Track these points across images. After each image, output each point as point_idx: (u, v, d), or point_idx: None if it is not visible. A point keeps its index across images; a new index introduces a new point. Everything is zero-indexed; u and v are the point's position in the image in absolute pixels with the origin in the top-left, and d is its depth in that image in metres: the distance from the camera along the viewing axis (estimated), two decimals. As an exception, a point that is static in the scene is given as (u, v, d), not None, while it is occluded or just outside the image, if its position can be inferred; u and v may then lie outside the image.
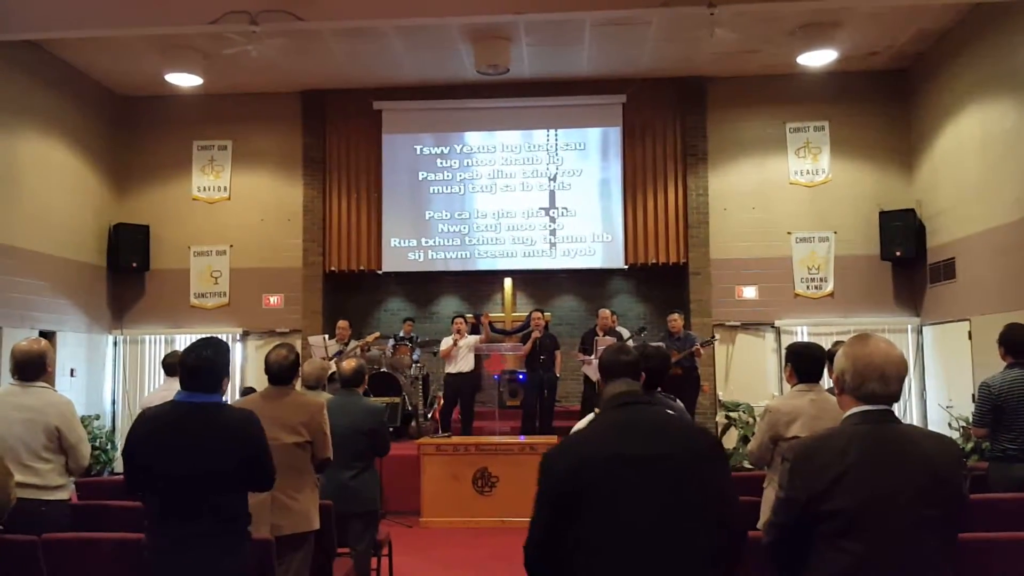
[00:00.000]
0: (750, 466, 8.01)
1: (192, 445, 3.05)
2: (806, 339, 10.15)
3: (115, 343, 10.96)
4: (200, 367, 3.16)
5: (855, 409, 2.31)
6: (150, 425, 3.16)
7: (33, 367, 4.25)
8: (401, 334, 10.76)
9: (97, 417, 10.06)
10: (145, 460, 3.11)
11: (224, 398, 3.30)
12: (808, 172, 10.76)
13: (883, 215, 10.30)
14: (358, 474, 4.88)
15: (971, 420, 5.34)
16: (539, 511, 2.34)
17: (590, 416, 3.33)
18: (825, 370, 4.21)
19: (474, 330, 10.13)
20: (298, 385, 4.77)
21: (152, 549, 3.11)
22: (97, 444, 9.56)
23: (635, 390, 2.51)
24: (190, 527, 3.03)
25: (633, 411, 2.42)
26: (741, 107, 10.85)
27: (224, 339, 3.55)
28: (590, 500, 2.25)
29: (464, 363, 9.67)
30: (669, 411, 3.29)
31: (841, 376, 2.34)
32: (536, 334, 9.69)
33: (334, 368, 7.27)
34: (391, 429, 8.56)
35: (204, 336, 3.42)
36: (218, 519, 3.07)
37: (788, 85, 10.64)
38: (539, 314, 10.01)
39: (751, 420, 9.34)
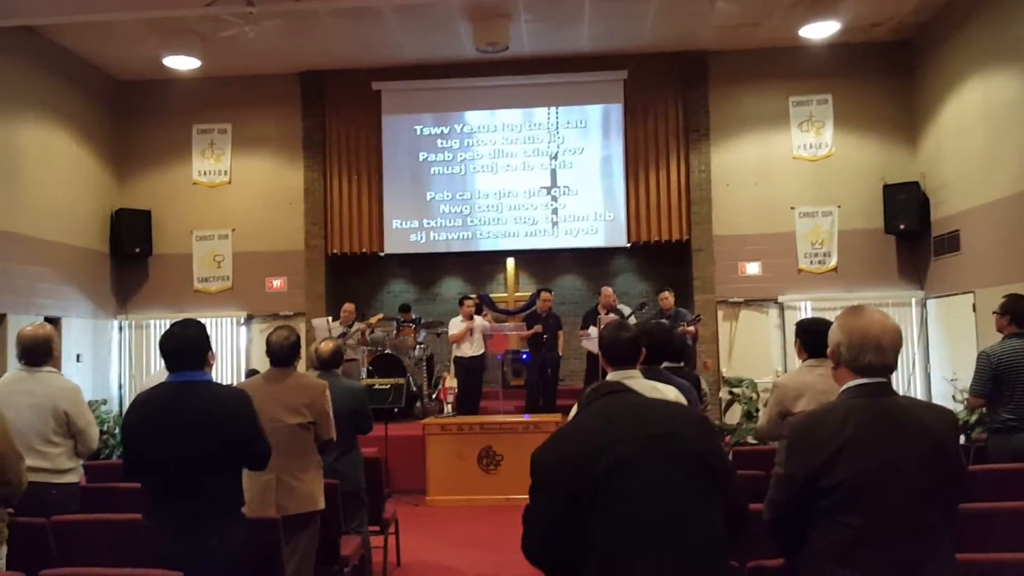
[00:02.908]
0: (755, 441, 8.08)
1: (181, 425, 3.08)
2: (810, 314, 10.15)
3: (120, 328, 11.00)
4: (178, 348, 3.21)
5: (852, 383, 2.30)
6: (141, 408, 3.22)
7: (39, 352, 4.29)
8: (401, 318, 10.79)
9: (104, 402, 10.12)
10: (138, 442, 3.16)
11: (228, 379, 3.32)
12: (811, 146, 10.70)
13: (887, 188, 10.24)
14: (342, 456, 4.83)
15: (969, 389, 5.32)
16: (540, 509, 2.26)
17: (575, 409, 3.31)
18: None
19: (477, 311, 10.13)
20: (300, 367, 4.78)
21: (147, 530, 3.14)
22: (105, 429, 9.60)
23: (614, 381, 2.49)
24: (183, 508, 3.06)
25: (617, 399, 2.39)
26: (743, 81, 10.76)
27: (206, 322, 3.52)
28: (599, 493, 2.18)
29: (477, 346, 9.69)
30: (655, 390, 3.27)
31: (836, 349, 2.33)
32: (538, 328, 9.68)
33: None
34: (395, 410, 8.66)
35: (185, 318, 3.43)
36: (210, 500, 3.10)
37: (790, 58, 10.54)
38: (547, 294, 10.01)
39: (754, 396, 9.37)
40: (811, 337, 4.06)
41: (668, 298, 9.57)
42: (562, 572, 2.27)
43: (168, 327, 3.30)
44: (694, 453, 2.23)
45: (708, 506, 2.19)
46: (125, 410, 10.08)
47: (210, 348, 3.32)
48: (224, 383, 3.45)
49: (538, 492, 2.27)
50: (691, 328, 9.33)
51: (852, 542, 2.15)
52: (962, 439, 6.56)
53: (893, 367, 2.29)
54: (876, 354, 2.26)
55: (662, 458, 2.19)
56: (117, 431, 10.03)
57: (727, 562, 2.25)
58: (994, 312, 5.28)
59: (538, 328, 9.65)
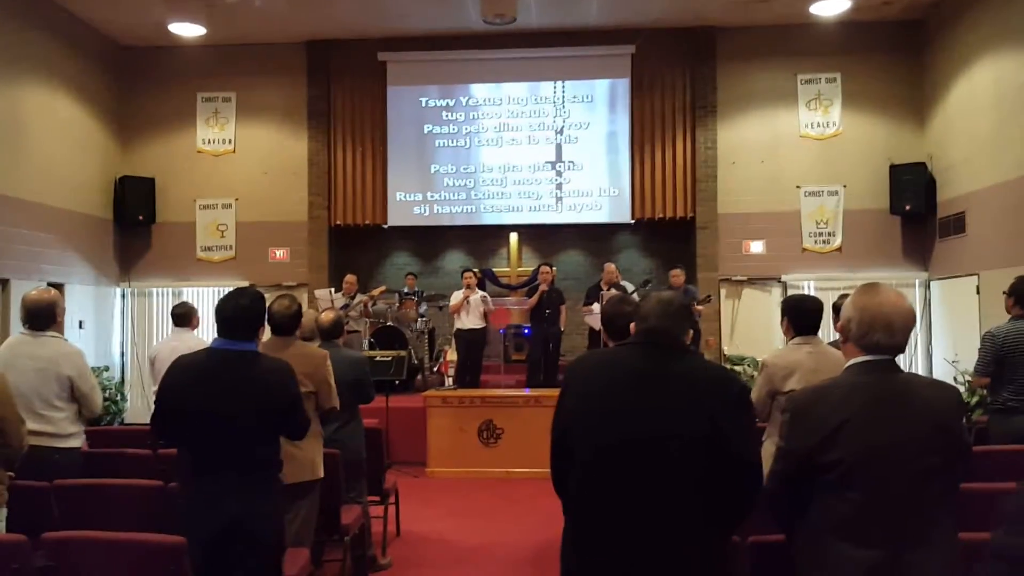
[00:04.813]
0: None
1: (226, 391, 3.08)
2: (813, 294, 10.13)
3: (123, 295, 11.02)
4: (236, 316, 3.19)
5: (857, 359, 2.29)
6: (184, 371, 3.19)
7: (44, 316, 4.30)
8: (405, 289, 10.77)
9: (106, 368, 10.16)
10: (178, 405, 3.13)
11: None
12: (819, 125, 10.63)
13: (893, 169, 10.19)
14: (343, 426, 4.84)
15: (973, 369, 5.32)
16: (553, 430, 2.52)
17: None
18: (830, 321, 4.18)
19: (480, 285, 10.10)
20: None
21: (185, 496, 3.15)
22: (107, 395, 9.66)
23: (667, 327, 2.44)
24: (222, 473, 3.06)
25: (659, 362, 2.43)
26: (752, 58, 10.67)
27: (208, 291, 3.56)
28: (583, 466, 2.40)
29: (476, 318, 9.66)
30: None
31: (847, 325, 2.31)
32: (543, 288, 9.68)
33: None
34: (396, 382, 8.66)
35: (240, 286, 3.44)
36: (250, 465, 3.10)
37: (800, 36, 10.45)
38: (547, 268, 9.99)
39: (756, 374, 9.36)
40: (797, 315, 4.06)
41: (679, 275, 9.56)
42: (561, 485, 2.52)
43: (229, 292, 3.29)
44: (683, 440, 2.30)
45: (686, 497, 2.29)
46: (128, 376, 10.06)
47: (263, 322, 3.32)
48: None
49: (555, 411, 2.53)
50: (699, 307, 9.34)
51: (853, 517, 2.16)
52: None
53: (902, 348, 2.27)
54: (885, 334, 2.24)
55: (642, 450, 2.31)
56: (119, 398, 10.09)
57: (698, 548, 2.30)
58: (1003, 292, 5.28)
59: (544, 288, 9.58)
